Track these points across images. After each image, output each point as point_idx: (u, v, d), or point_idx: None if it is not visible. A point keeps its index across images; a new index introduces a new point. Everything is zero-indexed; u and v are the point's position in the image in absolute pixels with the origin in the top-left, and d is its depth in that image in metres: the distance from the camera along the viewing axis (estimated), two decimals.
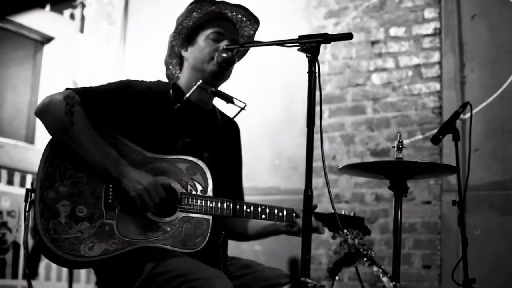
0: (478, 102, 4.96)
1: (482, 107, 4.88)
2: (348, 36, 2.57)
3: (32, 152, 6.00)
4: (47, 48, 6.56)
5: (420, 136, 5.22)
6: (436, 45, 5.33)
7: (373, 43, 5.63)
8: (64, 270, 6.20)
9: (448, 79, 5.24)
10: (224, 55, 3.04)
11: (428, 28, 5.40)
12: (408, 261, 5.14)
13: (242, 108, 3.17)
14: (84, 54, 6.67)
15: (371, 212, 5.41)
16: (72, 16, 6.71)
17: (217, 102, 3.26)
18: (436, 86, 5.29)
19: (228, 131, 3.34)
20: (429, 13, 5.41)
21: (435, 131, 3.39)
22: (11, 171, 5.87)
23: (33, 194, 2.69)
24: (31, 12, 1.31)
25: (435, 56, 5.33)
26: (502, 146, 4.99)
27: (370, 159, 5.40)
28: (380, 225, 5.36)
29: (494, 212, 4.95)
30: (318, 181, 5.46)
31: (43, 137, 6.12)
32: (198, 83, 3.06)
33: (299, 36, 2.60)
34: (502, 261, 4.81)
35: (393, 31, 5.56)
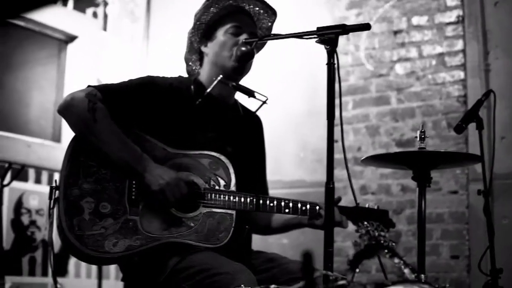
0: (503, 90, 4.89)
1: (507, 95, 4.81)
2: (366, 27, 2.56)
3: (58, 150, 6.02)
4: (70, 47, 6.59)
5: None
6: (459, 33, 5.27)
7: (396, 32, 5.59)
8: (94, 267, 6.24)
9: (472, 67, 5.18)
10: (243, 48, 3.04)
11: (451, 16, 5.34)
12: (436, 251, 5.10)
13: (264, 102, 3.16)
14: (107, 52, 6.70)
15: (397, 203, 5.38)
16: (94, 15, 6.74)
17: (239, 96, 3.26)
18: (460, 74, 5.23)
19: (251, 125, 3.34)
20: (451, 1, 5.35)
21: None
22: (38, 170, 5.93)
23: (57, 192, 2.71)
24: (45, 8, 1.31)
25: (459, 44, 5.27)
26: None
27: (395, 149, 5.37)
28: (406, 216, 5.32)
29: None
30: (343, 173, 5.35)
31: (69, 136, 6.14)
32: (219, 78, 3.06)
33: (317, 28, 2.58)
34: None
35: (415, 20, 5.51)
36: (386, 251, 1.82)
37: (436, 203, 5.14)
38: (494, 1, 5.12)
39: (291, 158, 6.02)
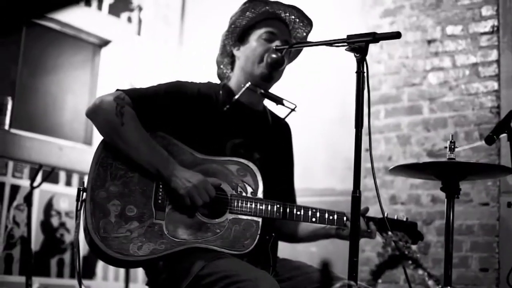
0: None
1: None
2: (396, 35, 2.53)
3: (89, 153, 5.99)
4: (104, 51, 6.65)
5: (478, 143, 5.11)
6: (493, 43, 5.21)
7: (430, 42, 5.54)
8: (122, 270, 6.28)
9: (506, 78, 5.11)
10: (274, 56, 3.02)
11: (486, 26, 5.28)
12: (465, 263, 5.04)
13: (293, 110, 3.15)
14: (141, 57, 6.75)
15: (427, 214, 5.32)
16: (129, 19, 6.78)
17: (269, 103, 3.25)
18: (494, 85, 5.17)
19: (279, 132, 3.32)
20: (486, 11, 5.30)
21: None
22: (69, 173, 5.98)
23: (84, 194, 2.73)
24: (69, 8, 1.31)
25: (493, 55, 5.21)
26: None
27: (426, 160, 5.31)
28: (436, 227, 5.26)
29: None
30: (372, 182, 5.40)
31: (100, 139, 6.19)
32: (247, 85, 3.06)
33: (347, 36, 2.57)
34: None
35: (449, 30, 5.46)
36: (410, 262, 1.80)
37: (467, 214, 5.08)
38: None
39: (321, 166, 5.99)
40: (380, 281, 1.77)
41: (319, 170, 6.00)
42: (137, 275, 6.47)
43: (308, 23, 3.26)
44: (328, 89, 6.06)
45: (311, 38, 3.29)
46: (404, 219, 3.19)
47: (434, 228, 5.25)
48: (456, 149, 3.02)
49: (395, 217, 3.19)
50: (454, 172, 3.01)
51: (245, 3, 3.17)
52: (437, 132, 5.39)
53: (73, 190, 6.02)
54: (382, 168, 5.50)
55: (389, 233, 1.84)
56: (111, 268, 6.25)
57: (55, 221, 5.92)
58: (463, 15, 5.40)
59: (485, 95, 5.21)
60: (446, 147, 3.04)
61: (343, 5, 6.13)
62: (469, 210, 5.06)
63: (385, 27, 5.71)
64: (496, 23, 5.23)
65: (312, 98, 5.86)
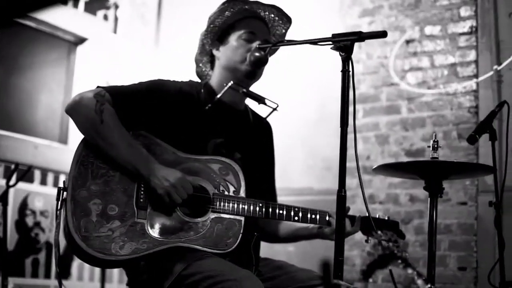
0: None
1: None
2: (382, 34, 2.52)
3: (65, 152, 6.03)
4: (80, 49, 6.59)
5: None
6: (472, 44, 5.24)
7: (408, 42, 5.56)
8: (97, 270, 6.22)
9: (484, 78, 5.14)
10: (257, 54, 3.03)
11: (464, 27, 5.30)
12: (443, 262, 5.05)
13: (274, 109, 3.15)
14: (117, 55, 6.69)
15: (405, 213, 5.34)
16: (105, 17, 6.73)
17: (250, 102, 3.24)
18: (472, 85, 5.19)
19: (261, 132, 3.32)
20: (465, 11, 5.32)
21: (471, 131, 3.32)
22: (44, 172, 5.91)
23: (65, 193, 2.69)
24: (52, 8, 1.28)
25: (471, 55, 5.23)
26: None
27: (405, 159, 5.33)
28: (414, 227, 5.27)
29: None
30: (352, 182, 5.40)
31: (76, 137, 6.15)
32: (230, 84, 3.05)
33: (333, 35, 2.55)
34: None
35: (428, 30, 5.47)
36: (399, 261, 1.79)
37: (445, 214, 5.09)
38: (508, 12, 5.08)
39: (299, 166, 5.99)
40: (371, 280, 1.76)
41: (297, 169, 5.99)
42: (113, 275, 6.41)
43: (287, 20, 3.26)
44: (307, 89, 6.05)
45: (288, 37, 3.29)
46: (386, 218, 3.20)
47: (412, 227, 5.26)
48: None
49: (377, 216, 3.20)
50: (438, 171, 3.01)
51: (224, 3, 3.16)
52: (416, 132, 5.40)
53: (48, 189, 5.95)
54: (360, 167, 5.49)
55: (379, 232, 1.83)
56: (86, 268, 6.19)
57: (29, 221, 5.85)
58: (441, 16, 5.42)
59: (463, 95, 5.23)
60: (429, 146, 3.04)
61: (322, 5, 6.13)
62: (447, 209, 5.08)
63: (363, 27, 5.72)
64: (474, 24, 5.25)
65: (290, 97, 5.84)
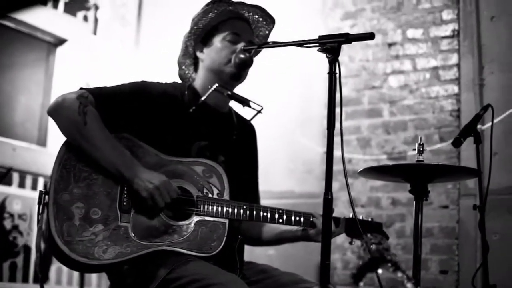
0: (497, 105, 4.85)
1: (502, 110, 4.76)
2: (370, 36, 2.50)
3: (44, 155, 5.97)
4: (60, 50, 6.53)
5: (439, 145, 5.14)
6: (454, 47, 5.25)
7: (390, 45, 5.56)
8: (75, 274, 6.15)
9: (466, 81, 5.16)
10: (242, 56, 3.00)
11: (446, 30, 5.32)
12: (425, 266, 5.06)
13: (259, 111, 3.14)
14: (97, 56, 6.64)
15: (387, 216, 5.34)
16: (85, 18, 6.67)
17: (234, 104, 3.21)
18: (454, 88, 5.21)
19: (245, 134, 3.30)
20: (447, 15, 5.33)
21: (453, 134, 3.32)
22: (22, 174, 5.84)
23: (46, 196, 2.65)
24: (32, 8, 1.25)
25: (453, 58, 5.25)
26: None
27: (387, 162, 5.33)
28: (396, 230, 5.28)
29: None
30: (333, 185, 5.38)
31: (55, 140, 6.10)
32: (214, 86, 3.03)
33: (319, 36, 2.53)
34: None
35: (410, 33, 5.49)
36: (389, 264, 1.77)
37: (427, 217, 5.09)
38: (491, 16, 5.10)
39: (280, 169, 5.97)
40: (362, 284, 1.74)
41: (278, 172, 5.98)
42: (91, 280, 6.35)
43: (271, 21, 3.25)
44: (288, 92, 6.04)
45: (270, 39, 3.27)
46: (369, 220, 3.19)
47: (394, 230, 5.27)
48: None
49: (361, 217, 3.19)
50: (423, 174, 3.00)
51: (207, 4, 3.13)
52: (397, 135, 5.41)
53: (26, 192, 5.88)
54: (342, 170, 5.48)
55: (369, 235, 1.82)
56: (65, 272, 6.13)
57: (7, 224, 5.77)
58: (424, 19, 5.44)
59: (445, 99, 5.24)
60: (414, 149, 3.03)
61: (303, 7, 6.12)
62: (429, 213, 5.09)
63: (345, 30, 5.71)
64: (456, 27, 5.27)
65: (272, 100, 5.81)
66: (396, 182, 4.72)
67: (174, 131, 2.95)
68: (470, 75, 5.13)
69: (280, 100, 5.98)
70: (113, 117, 2.83)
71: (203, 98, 3.03)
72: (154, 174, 2.74)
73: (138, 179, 2.71)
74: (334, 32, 5.54)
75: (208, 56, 3.12)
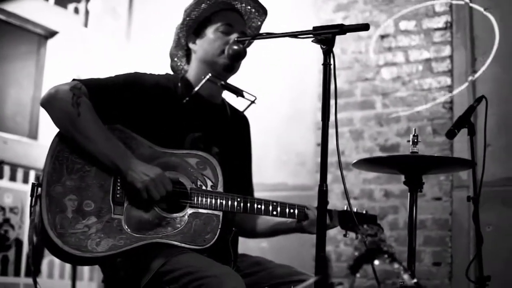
0: (490, 97, 4.84)
1: (495, 102, 4.74)
2: (365, 27, 2.49)
3: (35, 148, 5.94)
4: (50, 42, 6.50)
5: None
6: (447, 39, 5.25)
7: (383, 37, 5.55)
8: (67, 267, 6.13)
9: (459, 73, 5.15)
10: (235, 47, 2.99)
11: (439, 22, 5.31)
12: (418, 258, 5.05)
13: (252, 102, 3.13)
14: (88, 49, 6.60)
15: (380, 208, 5.33)
16: (76, 10, 6.64)
17: (227, 96, 3.20)
18: (447, 80, 5.21)
19: (238, 125, 3.29)
20: (440, 7, 5.32)
21: (446, 126, 3.32)
22: (14, 167, 5.81)
23: (39, 189, 2.62)
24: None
25: (446, 50, 5.24)
26: None
27: (380, 154, 5.32)
28: (389, 222, 5.28)
29: (507, 208, 4.86)
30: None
31: (46, 133, 6.07)
32: (208, 76, 3.02)
33: (314, 27, 2.51)
34: None
35: (403, 25, 5.48)
36: (386, 256, 1.76)
37: (420, 209, 5.04)
38: (484, 8, 5.09)
39: (273, 161, 5.96)
40: (358, 275, 1.73)
41: (271, 165, 5.96)
42: (83, 273, 6.33)
43: (263, 12, 3.24)
44: (281, 84, 6.03)
45: (262, 31, 3.25)
46: (364, 212, 3.18)
47: (387, 222, 5.27)
48: None
49: (356, 210, 3.18)
50: (419, 166, 3.00)
51: None
52: (390, 127, 5.40)
53: (18, 185, 5.86)
54: (335, 162, 5.46)
55: (365, 226, 1.80)
56: (57, 266, 6.11)
57: None
58: (416, 11, 5.43)
59: (438, 91, 5.24)
60: (408, 141, 3.03)
61: None
62: (422, 205, 5.08)
63: (338, 22, 5.67)
64: (449, 19, 5.26)
65: (264, 92, 5.79)
66: (389, 174, 4.74)
67: (167, 123, 2.93)
68: (463, 67, 5.13)
69: (273, 92, 5.96)
70: (107, 108, 2.81)
71: (196, 89, 3.02)
72: (149, 167, 2.72)
73: (132, 172, 2.69)
74: (327, 24, 5.52)
75: (201, 47, 3.10)
